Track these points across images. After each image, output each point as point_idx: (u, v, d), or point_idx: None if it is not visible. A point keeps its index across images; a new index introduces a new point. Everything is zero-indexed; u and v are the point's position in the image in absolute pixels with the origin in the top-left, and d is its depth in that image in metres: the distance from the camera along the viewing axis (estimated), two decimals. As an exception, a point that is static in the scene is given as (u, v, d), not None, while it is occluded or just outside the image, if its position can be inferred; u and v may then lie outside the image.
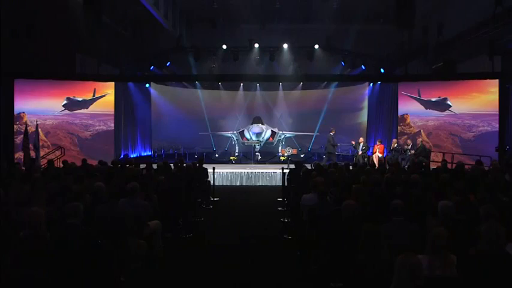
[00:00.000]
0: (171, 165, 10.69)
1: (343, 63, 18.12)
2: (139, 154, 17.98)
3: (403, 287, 2.84)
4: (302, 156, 18.75)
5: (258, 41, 17.64)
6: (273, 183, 13.53)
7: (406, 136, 15.32)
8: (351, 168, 10.24)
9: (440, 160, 12.45)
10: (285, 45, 17.79)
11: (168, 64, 18.29)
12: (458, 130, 14.94)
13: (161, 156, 18.39)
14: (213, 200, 10.83)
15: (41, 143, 13.59)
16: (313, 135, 20.28)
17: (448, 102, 14.98)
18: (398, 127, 15.80)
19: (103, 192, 5.71)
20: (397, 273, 2.88)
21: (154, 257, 5.95)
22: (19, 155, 13.48)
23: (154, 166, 10.21)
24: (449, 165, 11.36)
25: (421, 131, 15.42)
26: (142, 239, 5.49)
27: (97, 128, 15.48)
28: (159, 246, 6.13)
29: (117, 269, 4.69)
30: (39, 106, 14.72)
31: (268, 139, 18.84)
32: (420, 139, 14.38)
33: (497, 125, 13.99)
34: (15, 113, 14.20)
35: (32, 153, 12.82)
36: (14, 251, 3.96)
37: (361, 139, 15.25)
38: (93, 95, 15.32)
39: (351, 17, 19.29)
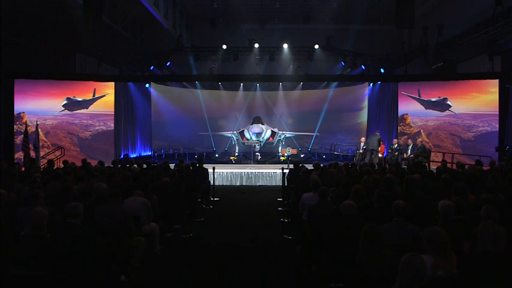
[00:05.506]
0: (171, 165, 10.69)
1: (343, 63, 18.12)
2: (139, 154, 17.98)
3: (407, 287, 2.83)
4: (302, 156, 18.74)
5: (258, 41, 17.65)
6: (273, 183, 13.52)
7: (406, 136, 15.31)
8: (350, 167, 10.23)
9: (440, 160, 12.44)
10: (285, 45, 17.80)
11: (168, 64, 18.30)
12: (458, 130, 14.93)
13: (161, 156, 18.41)
14: (213, 200, 10.83)
15: (41, 143, 13.58)
16: (313, 135, 20.29)
17: (448, 102, 14.97)
18: (398, 127, 15.79)
19: (104, 192, 5.70)
20: (401, 273, 2.87)
21: (153, 257, 5.95)
22: (19, 155, 13.48)
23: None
24: (449, 165, 11.36)
25: (421, 131, 15.41)
26: (142, 236, 5.50)
27: (97, 128, 15.48)
28: (157, 249, 6.13)
29: (117, 268, 4.69)
30: (39, 106, 14.72)
31: (268, 139, 18.84)
32: (420, 139, 14.37)
33: (497, 125, 13.98)
34: (15, 113, 14.19)
35: (32, 153, 12.81)
36: (14, 251, 3.96)
37: (363, 139, 15.30)
38: (93, 95, 15.32)
39: (350, 17, 19.34)
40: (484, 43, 13.36)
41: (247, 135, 18.07)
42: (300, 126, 20.82)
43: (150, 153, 18.86)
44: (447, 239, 3.38)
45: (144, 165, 10.41)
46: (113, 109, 15.62)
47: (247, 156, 17.36)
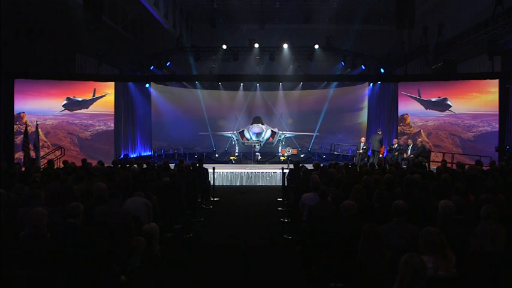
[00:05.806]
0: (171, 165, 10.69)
1: (343, 63, 18.12)
2: (139, 154, 17.98)
3: (407, 287, 2.84)
4: (302, 156, 18.74)
5: (258, 41, 17.65)
6: (273, 183, 13.52)
7: (406, 136, 15.32)
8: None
9: (440, 160, 12.45)
10: (285, 45, 17.79)
11: (168, 64, 18.30)
12: (458, 130, 14.94)
13: (161, 156, 18.41)
14: (213, 200, 10.84)
15: (41, 143, 13.58)
16: (313, 135, 20.30)
17: (448, 102, 14.98)
18: (398, 127, 15.80)
19: (104, 192, 5.71)
20: (401, 273, 2.87)
21: (153, 257, 5.95)
22: (19, 155, 13.48)
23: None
24: (449, 165, 11.36)
25: (421, 131, 15.42)
26: (142, 236, 5.50)
27: (97, 128, 15.48)
28: (156, 249, 6.14)
29: (117, 268, 4.70)
30: (39, 106, 14.72)
31: (268, 139, 18.83)
32: (420, 139, 14.38)
33: (497, 125, 13.99)
34: (15, 113, 14.18)
35: (32, 153, 12.82)
36: (14, 251, 3.96)
37: (363, 139, 15.31)
38: (93, 95, 15.32)
39: (350, 17, 19.34)
40: (484, 43, 13.36)
41: (247, 135, 18.06)
42: (300, 126, 20.81)
43: (150, 153, 18.86)
44: (441, 238, 3.38)
45: (144, 165, 10.42)
46: (113, 109, 15.62)
47: (247, 156, 17.36)
